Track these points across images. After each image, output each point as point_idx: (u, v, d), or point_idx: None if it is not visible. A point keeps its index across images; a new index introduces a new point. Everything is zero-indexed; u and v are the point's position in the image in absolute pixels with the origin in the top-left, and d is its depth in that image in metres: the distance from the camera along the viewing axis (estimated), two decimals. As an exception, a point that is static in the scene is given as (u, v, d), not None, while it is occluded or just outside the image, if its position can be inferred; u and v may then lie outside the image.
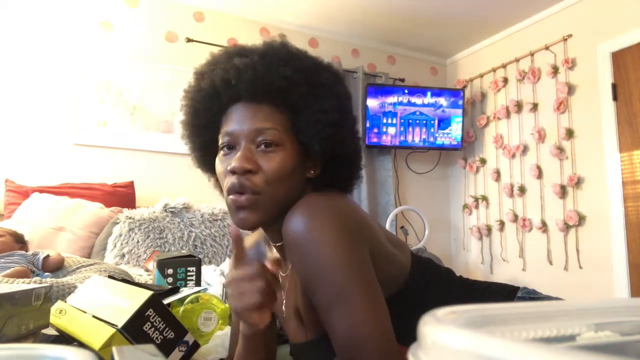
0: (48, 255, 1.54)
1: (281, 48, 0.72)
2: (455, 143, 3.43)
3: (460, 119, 3.42)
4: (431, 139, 3.39)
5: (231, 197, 0.68)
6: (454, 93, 3.43)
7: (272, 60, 0.68)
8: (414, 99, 3.35)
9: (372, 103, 3.29)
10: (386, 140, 3.32)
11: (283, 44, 0.73)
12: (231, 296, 0.62)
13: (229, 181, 0.67)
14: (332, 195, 0.69)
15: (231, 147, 0.69)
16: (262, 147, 0.67)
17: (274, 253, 0.81)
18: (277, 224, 0.69)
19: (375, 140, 3.30)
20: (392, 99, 3.31)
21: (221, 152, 0.71)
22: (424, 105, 3.36)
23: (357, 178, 0.79)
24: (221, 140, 0.70)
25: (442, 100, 3.39)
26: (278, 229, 0.69)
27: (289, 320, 0.78)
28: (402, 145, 3.36)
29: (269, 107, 0.68)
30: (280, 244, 0.74)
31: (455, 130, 3.41)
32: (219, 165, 0.71)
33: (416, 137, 3.37)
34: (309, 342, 0.75)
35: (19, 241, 1.72)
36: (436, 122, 3.39)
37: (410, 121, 3.35)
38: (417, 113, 3.34)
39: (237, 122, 0.69)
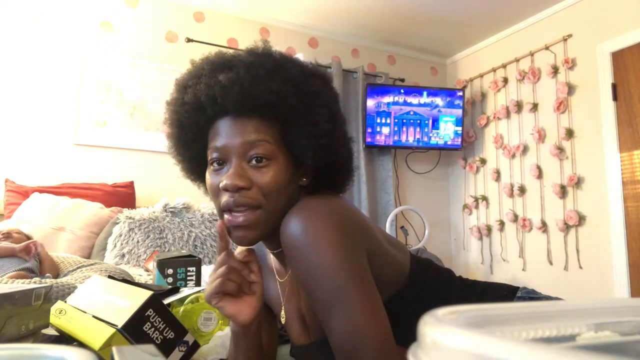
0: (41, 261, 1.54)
1: (266, 57, 0.69)
2: (442, 143, 3.42)
3: (451, 119, 3.40)
4: (425, 139, 3.39)
5: (226, 216, 0.67)
6: (450, 93, 3.43)
7: (259, 72, 0.66)
8: (410, 99, 3.34)
9: (369, 103, 3.29)
10: (380, 140, 3.32)
11: (268, 51, 0.71)
12: (208, 282, 0.67)
13: (222, 199, 0.66)
14: (328, 197, 0.68)
15: (221, 162, 0.67)
16: (254, 162, 0.65)
17: (272, 260, 0.81)
18: (274, 234, 0.68)
19: (369, 140, 3.30)
20: (387, 99, 3.31)
21: (211, 167, 0.69)
22: (419, 105, 3.36)
23: (349, 180, 0.78)
24: (210, 155, 0.68)
25: (439, 100, 3.39)
26: (275, 237, 0.68)
27: (291, 322, 0.78)
28: (395, 145, 3.36)
29: (258, 121, 0.66)
30: (277, 251, 0.74)
31: (444, 130, 3.40)
32: (210, 180, 0.69)
33: (410, 137, 3.36)
34: (313, 343, 0.75)
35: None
36: (430, 122, 3.38)
37: (405, 121, 3.34)
38: (411, 113, 3.34)
39: (226, 136, 0.66)
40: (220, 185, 0.65)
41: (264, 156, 0.65)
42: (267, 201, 0.66)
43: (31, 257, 1.49)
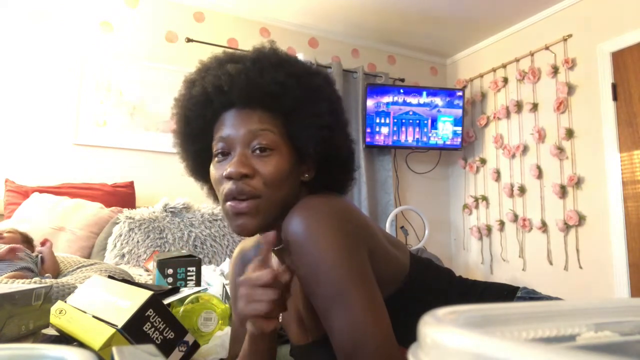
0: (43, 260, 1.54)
1: (272, 54, 0.72)
2: (441, 143, 3.41)
3: (449, 119, 3.40)
4: (424, 139, 3.39)
5: (229, 203, 0.67)
6: (450, 93, 3.42)
7: (264, 65, 0.68)
8: (409, 99, 3.34)
9: (369, 103, 3.29)
10: (379, 140, 3.32)
11: (273, 49, 0.73)
12: (241, 298, 0.61)
13: (225, 187, 0.67)
14: (330, 196, 0.69)
15: (226, 153, 0.69)
16: (257, 151, 0.67)
17: (272, 257, 0.81)
18: (274, 228, 0.68)
19: (368, 140, 3.30)
20: (387, 99, 3.31)
21: (215, 159, 0.70)
22: (419, 105, 3.35)
23: (350, 180, 0.79)
24: (215, 146, 0.70)
25: (438, 100, 3.39)
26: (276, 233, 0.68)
27: (290, 322, 0.78)
28: (394, 145, 3.36)
29: (263, 112, 0.68)
30: (277, 248, 0.74)
31: (442, 130, 3.40)
32: (214, 171, 0.70)
33: (409, 136, 3.36)
34: (311, 343, 0.75)
35: (26, 241, 1.72)
36: (429, 122, 3.38)
37: (404, 121, 3.34)
38: (410, 113, 3.34)
39: (231, 127, 0.68)
40: (224, 173, 0.66)
41: (267, 146, 0.67)
42: (267, 190, 0.66)
43: (25, 256, 1.49)
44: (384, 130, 3.32)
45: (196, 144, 0.74)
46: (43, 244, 1.61)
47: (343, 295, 0.60)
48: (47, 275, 1.46)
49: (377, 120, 3.30)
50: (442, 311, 0.27)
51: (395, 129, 3.33)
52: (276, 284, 0.60)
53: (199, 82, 0.70)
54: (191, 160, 0.77)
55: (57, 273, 1.53)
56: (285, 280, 0.61)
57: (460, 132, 3.42)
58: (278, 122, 0.68)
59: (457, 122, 3.42)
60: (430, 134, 3.39)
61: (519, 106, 3.22)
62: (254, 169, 0.66)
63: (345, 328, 0.59)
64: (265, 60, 0.69)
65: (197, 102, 0.70)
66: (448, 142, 3.42)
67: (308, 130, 0.68)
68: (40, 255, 1.55)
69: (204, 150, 0.73)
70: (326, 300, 0.61)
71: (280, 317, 0.79)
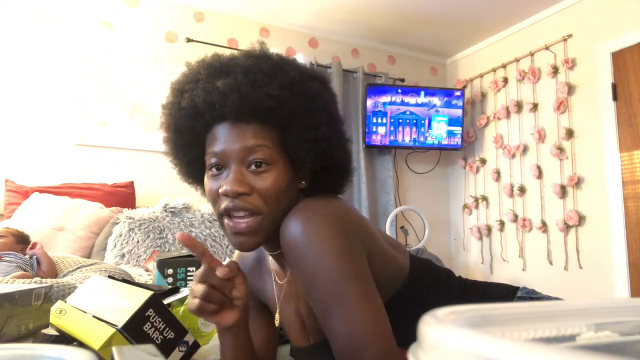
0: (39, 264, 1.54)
1: (264, 60, 0.68)
2: (436, 143, 3.41)
3: (444, 118, 3.39)
4: (422, 139, 3.39)
5: (227, 221, 0.66)
6: (448, 93, 3.42)
7: (257, 77, 0.65)
8: (407, 99, 3.34)
9: (368, 103, 3.28)
10: (376, 139, 3.31)
11: (265, 54, 0.70)
12: (189, 293, 0.66)
13: (222, 203, 0.66)
14: (327, 199, 0.68)
15: (220, 167, 0.67)
16: (253, 167, 0.65)
17: (270, 261, 0.81)
18: (273, 236, 0.68)
19: (367, 140, 3.29)
20: (384, 99, 3.30)
21: (210, 172, 0.68)
22: (416, 105, 3.35)
23: (348, 181, 0.77)
24: (209, 160, 0.68)
25: (436, 100, 3.38)
26: (274, 240, 0.68)
27: (290, 323, 0.78)
28: (392, 145, 3.36)
29: (257, 125, 0.66)
30: (276, 252, 0.74)
31: (436, 130, 3.39)
32: (209, 185, 0.68)
33: (406, 136, 3.36)
34: (312, 346, 0.75)
35: (22, 242, 1.71)
36: (426, 121, 3.38)
37: (400, 121, 3.34)
38: (407, 112, 3.34)
39: (224, 141, 0.66)
40: (220, 190, 0.65)
41: (263, 161, 0.65)
42: (267, 207, 0.65)
43: (14, 259, 1.49)
44: (381, 130, 3.31)
45: (188, 154, 0.72)
46: (32, 247, 1.61)
47: (341, 299, 0.59)
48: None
49: (374, 120, 3.30)
50: (442, 311, 0.27)
51: (392, 128, 3.33)
52: (207, 279, 0.63)
53: (188, 94, 0.67)
54: (184, 168, 0.76)
55: (54, 273, 1.53)
56: (223, 274, 0.62)
57: (456, 131, 3.42)
58: (273, 136, 0.66)
59: (451, 121, 3.42)
60: (427, 134, 3.39)
61: (519, 106, 3.22)
62: (250, 186, 0.65)
63: (344, 332, 0.59)
64: (257, 71, 0.66)
65: (187, 114, 0.67)
66: (444, 142, 3.42)
67: (305, 144, 0.66)
68: (35, 257, 1.55)
69: (197, 159, 0.71)
70: (324, 303, 0.61)
71: (277, 320, 0.79)
